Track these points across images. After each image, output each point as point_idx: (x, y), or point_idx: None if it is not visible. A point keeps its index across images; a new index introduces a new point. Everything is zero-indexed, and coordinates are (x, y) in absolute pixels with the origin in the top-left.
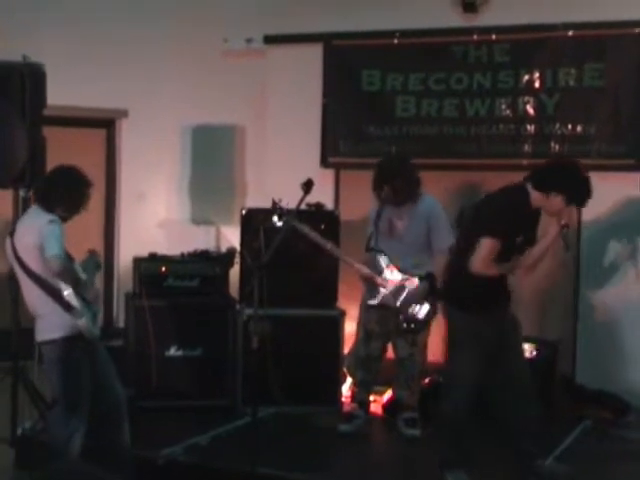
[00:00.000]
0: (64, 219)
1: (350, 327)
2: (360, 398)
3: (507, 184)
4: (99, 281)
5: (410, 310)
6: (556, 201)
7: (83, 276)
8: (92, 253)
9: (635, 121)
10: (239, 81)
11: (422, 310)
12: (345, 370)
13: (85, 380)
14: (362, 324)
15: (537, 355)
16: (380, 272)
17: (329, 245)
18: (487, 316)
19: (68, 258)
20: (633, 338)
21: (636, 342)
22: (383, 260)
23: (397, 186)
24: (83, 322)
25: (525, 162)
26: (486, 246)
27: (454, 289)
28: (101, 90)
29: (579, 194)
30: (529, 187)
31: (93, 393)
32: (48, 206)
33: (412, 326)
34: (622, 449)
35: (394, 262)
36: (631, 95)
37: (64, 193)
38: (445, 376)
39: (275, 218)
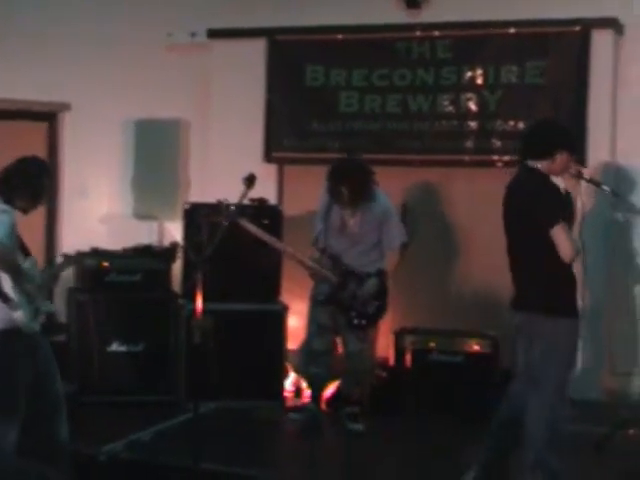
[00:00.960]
0: (24, 210)
1: (293, 322)
2: (314, 392)
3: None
4: None
5: (360, 306)
6: (562, 158)
7: (32, 273)
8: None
9: (575, 118)
10: (183, 75)
11: (372, 307)
12: (289, 365)
13: (21, 377)
14: (313, 318)
15: (478, 350)
16: (329, 268)
17: (278, 243)
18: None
19: (18, 250)
20: None
21: None
22: (331, 256)
23: (354, 188)
24: (19, 315)
25: (467, 158)
26: (561, 233)
27: (552, 297)
28: (43, 83)
29: (574, 139)
30: (532, 163)
31: (32, 389)
32: (5, 197)
33: (362, 322)
34: (565, 441)
35: (344, 259)
36: (571, 93)
37: (22, 184)
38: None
39: (223, 220)
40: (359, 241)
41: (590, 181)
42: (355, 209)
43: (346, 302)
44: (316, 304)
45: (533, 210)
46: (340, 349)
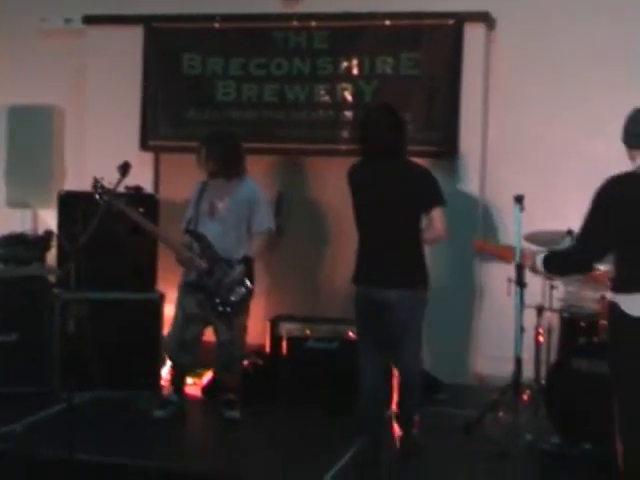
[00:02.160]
0: None
1: (169, 310)
2: (176, 382)
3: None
4: None
5: (225, 293)
6: None
7: None
8: None
9: (449, 110)
10: (58, 61)
11: (237, 293)
12: (166, 354)
13: None
14: (181, 307)
15: (354, 336)
16: (198, 254)
17: (150, 226)
18: None
19: None
20: (438, 316)
21: (441, 320)
22: (201, 242)
23: (214, 151)
24: None
25: (343, 147)
26: (443, 213)
27: (423, 272)
28: None
29: None
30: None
31: None
32: None
33: (227, 309)
34: (435, 424)
35: (214, 244)
36: (445, 84)
37: None
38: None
39: (97, 197)
40: (229, 225)
41: None
42: (222, 191)
43: (211, 289)
44: (185, 292)
45: (422, 192)
46: (210, 337)
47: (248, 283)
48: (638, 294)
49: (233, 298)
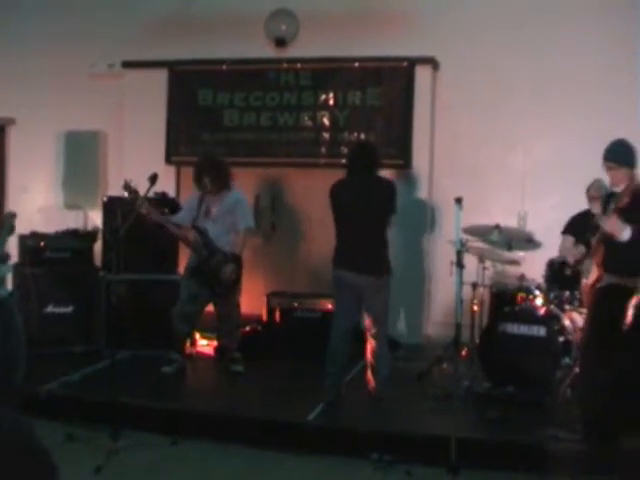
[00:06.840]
0: None
1: None
2: (178, 345)
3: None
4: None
5: (221, 277)
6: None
7: None
8: (8, 217)
9: (404, 132)
10: (103, 97)
11: (230, 279)
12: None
13: None
14: (186, 287)
15: (332, 308)
16: (202, 244)
17: (171, 226)
18: None
19: None
20: (397, 292)
21: (399, 295)
22: (203, 235)
23: (212, 178)
24: None
25: (322, 161)
26: None
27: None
28: None
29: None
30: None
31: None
32: None
33: (223, 290)
34: (395, 375)
35: (211, 238)
36: (401, 111)
37: None
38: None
39: (125, 194)
40: (220, 224)
41: None
42: (215, 199)
43: (210, 274)
44: (188, 275)
45: (389, 201)
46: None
47: (237, 270)
48: None
49: (228, 282)
